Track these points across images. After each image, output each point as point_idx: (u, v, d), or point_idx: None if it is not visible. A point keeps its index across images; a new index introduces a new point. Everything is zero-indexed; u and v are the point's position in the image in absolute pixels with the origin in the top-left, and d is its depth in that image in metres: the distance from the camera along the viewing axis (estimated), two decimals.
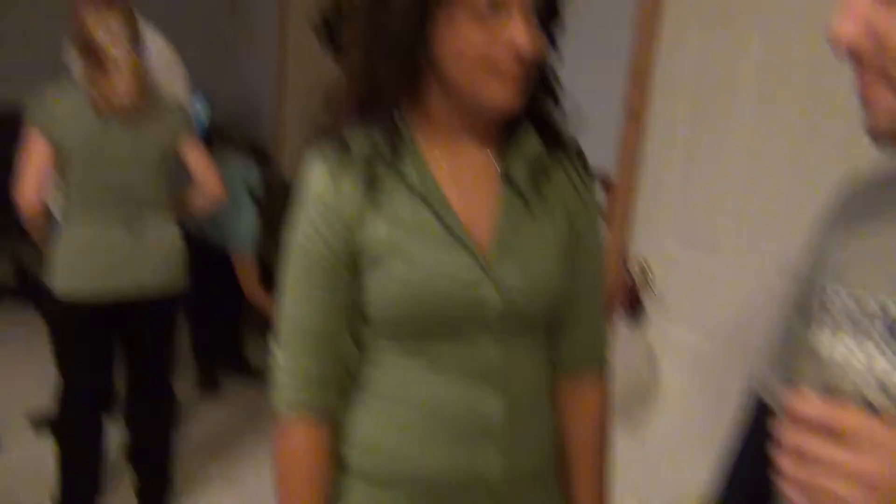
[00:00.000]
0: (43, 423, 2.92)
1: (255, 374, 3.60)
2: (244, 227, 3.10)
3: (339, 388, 1.03)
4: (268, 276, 3.36)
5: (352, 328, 1.02)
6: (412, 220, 0.95)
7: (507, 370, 1.00)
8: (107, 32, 2.07)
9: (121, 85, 2.08)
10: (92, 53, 2.08)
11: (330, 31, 4.33)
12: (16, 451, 2.81)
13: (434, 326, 0.97)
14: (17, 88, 4.63)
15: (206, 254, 3.07)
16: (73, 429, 2.38)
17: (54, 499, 2.40)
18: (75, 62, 2.32)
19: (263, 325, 3.70)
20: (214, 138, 4.44)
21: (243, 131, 4.61)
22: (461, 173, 0.99)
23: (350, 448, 1.04)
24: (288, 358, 1.01)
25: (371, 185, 0.95)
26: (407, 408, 1.00)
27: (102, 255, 2.18)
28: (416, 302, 0.95)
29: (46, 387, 3.12)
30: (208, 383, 3.44)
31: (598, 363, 1.13)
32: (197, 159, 2.30)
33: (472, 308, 0.96)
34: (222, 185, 2.35)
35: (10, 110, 2.92)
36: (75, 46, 2.13)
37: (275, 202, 3.12)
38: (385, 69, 0.92)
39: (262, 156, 4.22)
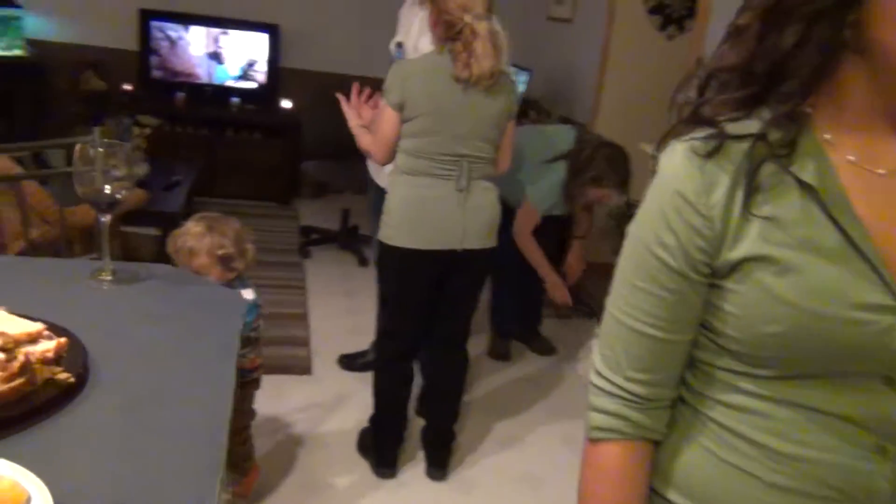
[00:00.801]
0: (350, 363, 3.16)
1: (546, 351, 3.58)
2: (543, 189, 3.03)
3: (669, 417, 0.86)
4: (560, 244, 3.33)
5: (697, 352, 0.84)
6: (802, 228, 0.74)
7: None
8: (468, 7, 2.12)
9: (484, 58, 2.13)
10: (455, 28, 2.14)
11: (661, 5, 4.14)
12: (325, 382, 3.06)
13: (815, 362, 0.75)
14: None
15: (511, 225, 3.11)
16: (390, 370, 2.53)
17: (367, 434, 2.64)
18: (424, 35, 2.45)
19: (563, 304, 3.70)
20: (530, 109, 4.51)
21: (562, 102, 4.58)
22: (877, 178, 0.76)
23: (669, 489, 0.87)
24: (613, 370, 0.85)
25: (753, 186, 0.75)
26: (757, 461, 0.80)
27: (434, 211, 2.27)
28: (796, 326, 0.74)
29: (356, 328, 3.37)
30: (500, 354, 3.47)
31: None
32: (507, 134, 2.37)
33: (873, 345, 0.73)
34: (510, 160, 2.45)
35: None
36: (438, 22, 2.20)
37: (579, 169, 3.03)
38: (796, 45, 0.73)
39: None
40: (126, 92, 5.06)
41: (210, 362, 1.07)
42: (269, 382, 2.89)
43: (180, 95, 5.08)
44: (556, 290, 3.20)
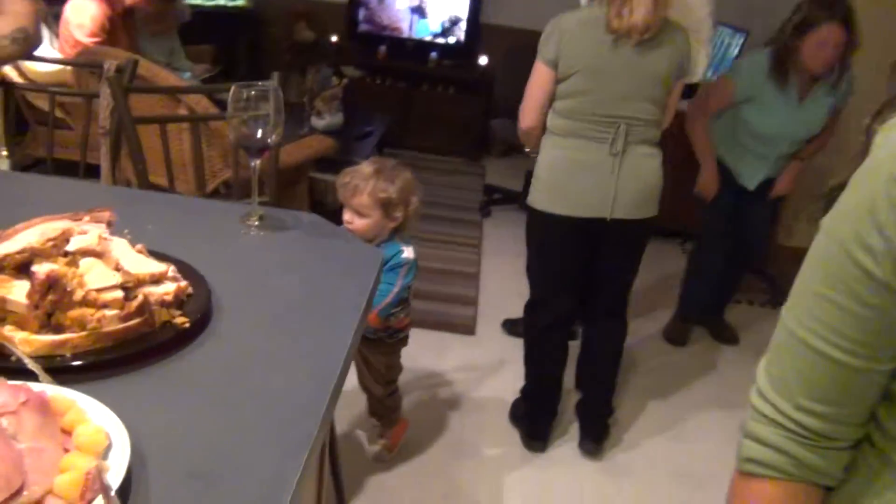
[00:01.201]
0: (514, 328, 3.09)
1: (728, 340, 3.30)
2: (743, 64, 2.79)
3: (849, 459, 0.70)
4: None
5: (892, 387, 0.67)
6: None
7: None
8: None
9: (639, 6, 1.97)
10: None
11: None
12: (487, 345, 3.03)
13: None
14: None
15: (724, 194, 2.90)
16: (541, 340, 2.45)
17: (519, 404, 2.57)
18: None
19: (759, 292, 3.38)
20: None
21: None
22: None
23: None
24: (781, 394, 0.70)
25: None
26: None
27: (583, 175, 2.14)
28: None
29: (525, 292, 3.29)
30: (675, 338, 3.24)
31: None
32: (673, 95, 2.18)
33: None
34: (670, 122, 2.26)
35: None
36: None
37: None
38: None
39: None
40: (333, 43, 5.26)
41: (334, 325, 1.03)
42: (431, 338, 2.92)
43: (382, 48, 5.19)
44: (709, 184, 2.88)
